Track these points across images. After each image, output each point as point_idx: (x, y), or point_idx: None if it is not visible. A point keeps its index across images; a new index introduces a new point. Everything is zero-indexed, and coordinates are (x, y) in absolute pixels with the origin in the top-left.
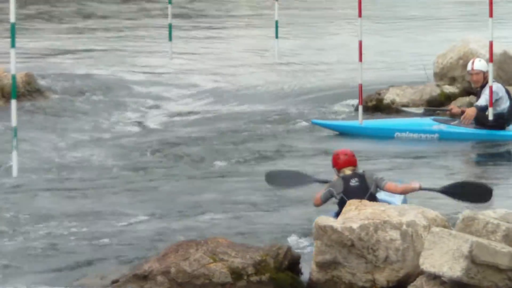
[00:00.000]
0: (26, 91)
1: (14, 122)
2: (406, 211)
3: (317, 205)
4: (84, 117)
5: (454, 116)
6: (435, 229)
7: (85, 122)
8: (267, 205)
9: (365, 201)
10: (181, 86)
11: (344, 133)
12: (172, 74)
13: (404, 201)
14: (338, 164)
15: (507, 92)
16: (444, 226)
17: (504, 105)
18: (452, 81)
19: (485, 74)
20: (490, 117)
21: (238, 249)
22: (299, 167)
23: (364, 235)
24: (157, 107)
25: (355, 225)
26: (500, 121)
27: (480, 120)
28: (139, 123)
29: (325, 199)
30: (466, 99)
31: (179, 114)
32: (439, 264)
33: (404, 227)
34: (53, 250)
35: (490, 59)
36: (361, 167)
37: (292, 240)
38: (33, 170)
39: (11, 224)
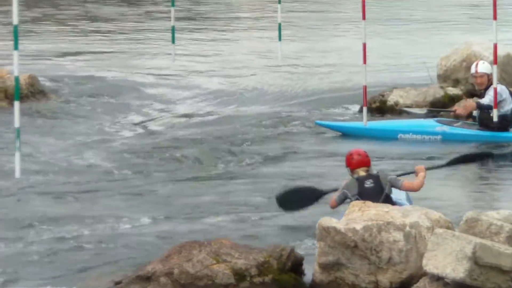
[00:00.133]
0: (30, 92)
1: (17, 123)
2: (409, 212)
3: (332, 207)
4: (87, 119)
5: (458, 118)
6: (438, 230)
7: (88, 125)
8: (270, 207)
9: (368, 202)
10: (184, 88)
11: (348, 134)
12: (175, 76)
13: (409, 201)
14: (351, 164)
15: (511, 94)
16: (448, 228)
17: (507, 107)
18: (456, 83)
19: (489, 77)
20: (495, 119)
21: (241, 250)
22: (303, 169)
23: (368, 236)
24: (160, 109)
25: (358, 226)
26: (504, 122)
27: (484, 121)
28: (142, 125)
29: (340, 201)
30: (469, 101)
31: (182, 116)
32: (442, 266)
33: (408, 228)
34: (55, 252)
35: (495, 61)
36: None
37: (295, 241)
38: (36, 172)
39: (14, 226)
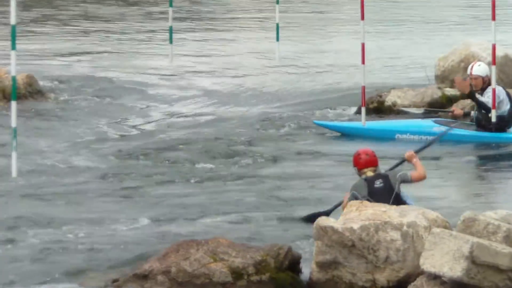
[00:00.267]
0: (28, 92)
1: (14, 123)
2: (406, 212)
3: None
4: (84, 120)
5: (455, 118)
6: (435, 229)
7: (86, 125)
8: (268, 206)
9: (366, 202)
10: (181, 88)
11: (346, 134)
12: (173, 76)
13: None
14: (359, 164)
15: (508, 95)
16: (445, 227)
17: (504, 108)
18: (454, 83)
19: (484, 79)
20: (493, 119)
21: (238, 249)
22: (300, 169)
23: (365, 235)
24: (157, 109)
25: (355, 226)
26: (501, 123)
27: (481, 122)
28: (139, 126)
29: None
30: (467, 101)
31: (179, 116)
32: (440, 265)
33: (405, 227)
34: (52, 251)
35: (493, 62)
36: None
37: (293, 240)
38: (32, 172)
39: (11, 225)
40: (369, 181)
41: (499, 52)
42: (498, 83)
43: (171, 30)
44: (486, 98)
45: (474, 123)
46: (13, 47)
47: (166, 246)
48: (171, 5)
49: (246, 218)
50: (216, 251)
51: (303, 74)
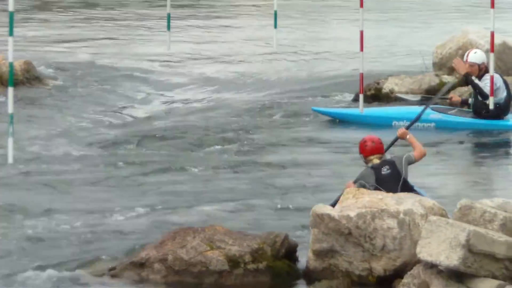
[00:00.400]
0: (25, 78)
1: (10, 109)
2: (403, 200)
3: None
4: (82, 106)
5: (452, 105)
6: (432, 217)
7: (83, 111)
8: (265, 194)
9: (362, 190)
10: (178, 75)
11: (344, 120)
12: (170, 63)
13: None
14: (365, 151)
15: (505, 82)
16: (441, 215)
17: (501, 95)
18: (451, 71)
19: (480, 66)
20: (491, 107)
21: (235, 237)
22: (297, 156)
23: (362, 223)
24: (154, 96)
25: (352, 214)
26: (497, 111)
27: (477, 110)
28: (136, 113)
29: None
30: (465, 88)
31: (177, 103)
32: (436, 253)
33: (402, 215)
34: (49, 240)
35: (491, 49)
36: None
37: (289, 228)
38: (28, 158)
39: (7, 212)
40: (376, 169)
41: (497, 40)
42: (495, 71)
43: (169, 17)
44: (486, 86)
45: (471, 110)
46: (11, 33)
47: (162, 234)
48: None
49: (242, 206)
50: (212, 239)
51: (301, 61)
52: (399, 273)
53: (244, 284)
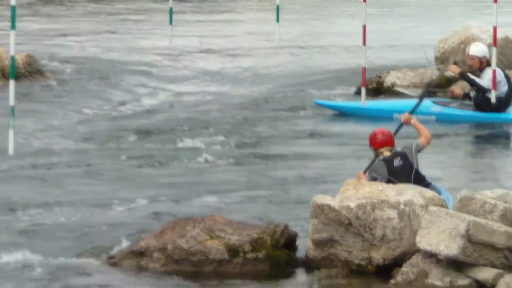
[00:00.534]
0: (27, 71)
1: (12, 101)
2: (403, 191)
3: None
4: (83, 99)
5: (454, 98)
6: (432, 208)
7: (84, 104)
8: (265, 186)
9: (363, 181)
10: (180, 69)
11: (346, 113)
12: (171, 57)
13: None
14: (375, 143)
15: (506, 76)
16: (441, 206)
17: (502, 89)
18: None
19: (481, 60)
20: (493, 100)
21: (235, 227)
22: (299, 148)
23: (362, 213)
24: (155, 89)
25: (352, 204)
26: (499, 104)
27: (478, 103)
28: (137, 106)
29: None
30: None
31: (178, 96)
32: (436, 243)
33: (402, 206)
34: (48, 230)
35: (494, 44)
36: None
37: (289, 219)
38: (27, 151)
39: (5, 203)
40: (388, 161)
41: (499, 34)
42: (497, 65)
43: (171, 11)
44: (486, 80)
45: (472, 104)
46: (13, 27)
47: (162, 223)
48: None
49: (242, 197)
50: (212, 228)
51: (303, 55)
52: (398, 262)
53: (243, 273)
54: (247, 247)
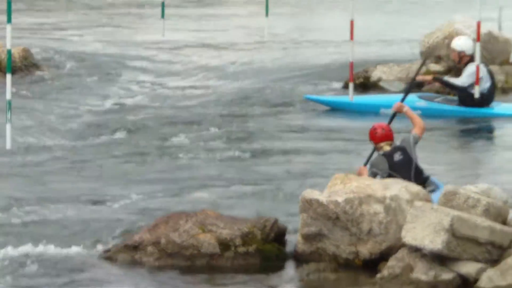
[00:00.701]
0: (23, 65)
1: (8, 95)
2: (390, 185)
3: None
4: (78, 93)
5: (426, 85)
6: (417, 203)
7: (78, 98)
8: (255, 181)
9: (351, 175)
10: (171, 63)
11: (334, 108)
12: (163, 50)
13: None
14: (375, 138)
15: (489, 72)
16: (427, 201)
17: (484, 85)
18: (438, 59)
19: (460, 54)
20: (476, 95)
21: (226, 221)
22: (287, 143)
23: (349, 208)
24: (148, 83)
25: (340, 199)
26: (481, 99)
27: (462, 98)
28: (128, 100)
29: None
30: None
31: (169, 90)
32: (421, 237)
33: (388, 201)
34: (42, 225)
35: (478, 39)
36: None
37: (279, 213)
38: (21, 146)
39: (2, 199)
40: (388, 156)
41: (482, 29)
42: (480, 60)
43: (163, 5)
44: (464, 77)
45: (456, 99)
46: (9, 20)
47: (156, 218)
48: None
49: (232, 192)
50: (204, 222)
51: (291, 49)
52: (384, 256)
53: (235, 267)
54: (238, 241)
